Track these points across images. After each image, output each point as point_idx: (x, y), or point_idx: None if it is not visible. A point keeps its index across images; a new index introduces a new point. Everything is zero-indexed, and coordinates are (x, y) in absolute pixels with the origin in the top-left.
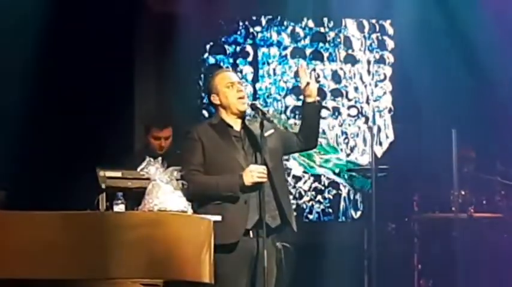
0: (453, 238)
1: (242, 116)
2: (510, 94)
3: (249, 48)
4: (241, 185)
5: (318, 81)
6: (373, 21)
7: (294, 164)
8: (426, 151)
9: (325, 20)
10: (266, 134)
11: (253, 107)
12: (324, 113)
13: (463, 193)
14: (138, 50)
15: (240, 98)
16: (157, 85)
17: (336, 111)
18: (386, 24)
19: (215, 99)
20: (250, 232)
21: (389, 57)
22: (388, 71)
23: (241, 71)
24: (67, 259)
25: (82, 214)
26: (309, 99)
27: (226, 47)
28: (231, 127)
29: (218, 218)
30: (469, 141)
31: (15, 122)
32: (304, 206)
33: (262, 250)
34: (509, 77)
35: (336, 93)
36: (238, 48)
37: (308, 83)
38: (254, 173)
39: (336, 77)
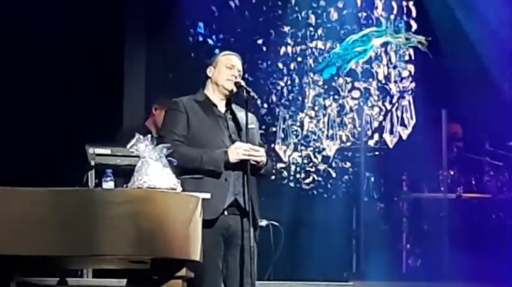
0: (442, 218)
1: (228, 97)
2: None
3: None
4: (226, 161)
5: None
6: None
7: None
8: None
9: (358, 1)
10: (249, 126)
11: (237, 85)
12: (355, 94)
13: (452, 173)
14: (129, 27)
15: (230, 79)
16: (147, 62)
17: (366, 92)
18: (410, 5)
19: (210, 71)
20: (226, 210)
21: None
22: (412, 53)
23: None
24: (55, 236)
25: (71, 190)
26: None
27: None
28: (216, 106)
29: (207, 195)
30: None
31: (3, 100)
32: (329, 185)
33: (239, 228)
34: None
35: (367, 73)
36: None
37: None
38: (240, 150)
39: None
